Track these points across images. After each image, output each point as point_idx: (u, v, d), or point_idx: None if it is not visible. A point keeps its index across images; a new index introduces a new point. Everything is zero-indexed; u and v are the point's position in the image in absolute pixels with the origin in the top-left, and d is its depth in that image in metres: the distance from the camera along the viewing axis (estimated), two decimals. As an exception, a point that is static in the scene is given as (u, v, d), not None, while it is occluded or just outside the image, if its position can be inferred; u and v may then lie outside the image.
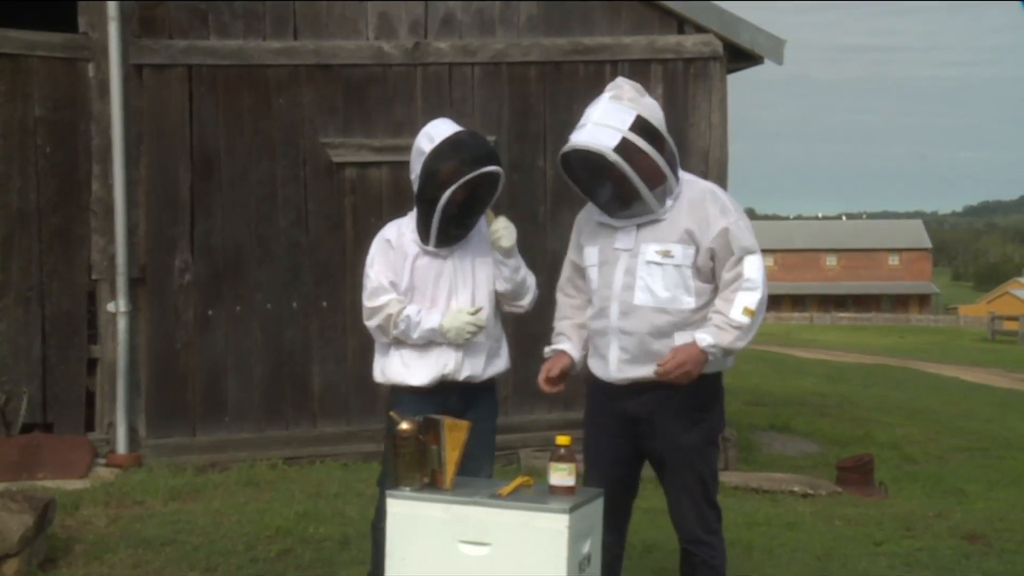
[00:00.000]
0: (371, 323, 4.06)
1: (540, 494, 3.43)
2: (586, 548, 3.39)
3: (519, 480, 3.51)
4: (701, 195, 3.76)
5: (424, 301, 4.03)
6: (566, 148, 3.70)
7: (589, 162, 3.67)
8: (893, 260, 75.45)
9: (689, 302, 3.71)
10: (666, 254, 3.68)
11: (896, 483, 8.77)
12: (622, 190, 3.69)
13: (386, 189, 7.83)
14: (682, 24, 8.14)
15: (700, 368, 3.65)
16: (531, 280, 4.24)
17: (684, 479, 3.78)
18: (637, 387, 3.76)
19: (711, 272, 3.73)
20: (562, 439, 3.47)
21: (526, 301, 4.24)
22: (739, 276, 3.67)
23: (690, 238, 3.69)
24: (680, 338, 3.69)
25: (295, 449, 7.72)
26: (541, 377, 3.95)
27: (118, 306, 7.45)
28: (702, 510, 3.80)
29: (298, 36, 7.82)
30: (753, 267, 3.68)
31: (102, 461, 7.42)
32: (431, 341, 3.99)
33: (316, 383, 7.84)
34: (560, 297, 4.09)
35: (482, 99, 8.01)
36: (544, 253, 7.91)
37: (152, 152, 7.65)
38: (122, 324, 7.45)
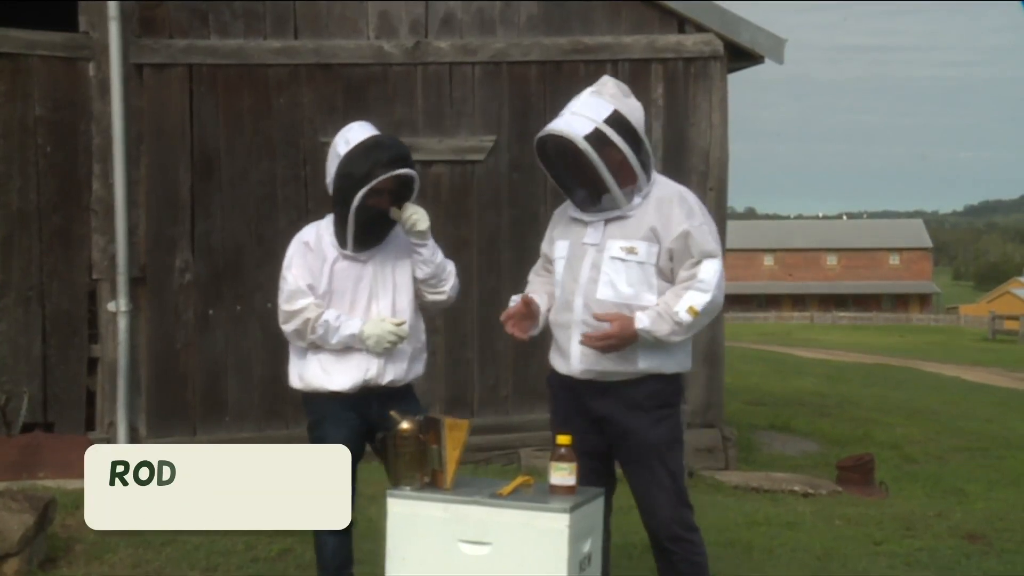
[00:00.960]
0: (287, 327, 4.02)
1: (540, 494, 3.43)
2: (586, 547, 3.40)
3: (519, 480, 3.51)
4: (669, 196, 3.78)
5: (343, 305, 3.98)
6: (541, 133, 3.78)
7: (561, 148, 3.74)
8: (894, 260, 75.42)
9: (651, 299, 3.73)
10: (630, 251, 3.71)
11: (896, 483, 8.78)
12: (590, 180, 3.73)
13: (386, 189, 7.83)
14: (682, 23, 8.14)
15: (624, 346, 3.65)
16: (450, 267, 4.17)
17: (656, 476, 3.77)
18: (599, 385, 3.77)
19: (671, 272, 3.75)
20: (562, 438, 3.47)
21: (447, 287, 4.15)
22: (693, 276, 3.69)
23: (654, 236, 3.72)
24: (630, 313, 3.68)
25: (295, 449, 7.72)
26: (504, 315, 3.91)
27: (118, 306, 7.45)
28: (678, 507, 3.80)
29: (298, 36, 7.82)
30: (710, 271, 3.69)
31: (102, 461, 7.40)
32: (349, 347, 3.95)
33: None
34: (531, 277, 4.11)
35: (482, 99, 8.01)
36: (544, 253, 7.94)
37: (152, 152, 7.65)
38: (122, 324, 7.45)
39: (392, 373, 4.02)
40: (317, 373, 4.03)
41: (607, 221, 3.78)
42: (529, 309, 3.88)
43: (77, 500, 6.21)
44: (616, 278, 3.73)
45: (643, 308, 3.70)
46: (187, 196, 7.70)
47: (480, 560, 3.31)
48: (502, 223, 8.03)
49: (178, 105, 7.67)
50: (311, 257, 4.01)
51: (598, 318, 3.68)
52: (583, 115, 3.70)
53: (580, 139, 3.64)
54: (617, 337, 3.64)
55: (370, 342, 3.92)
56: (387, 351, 3.95)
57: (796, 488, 7.84)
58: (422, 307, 4.19)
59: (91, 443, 7.39)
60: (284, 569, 5.15)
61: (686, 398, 4.03)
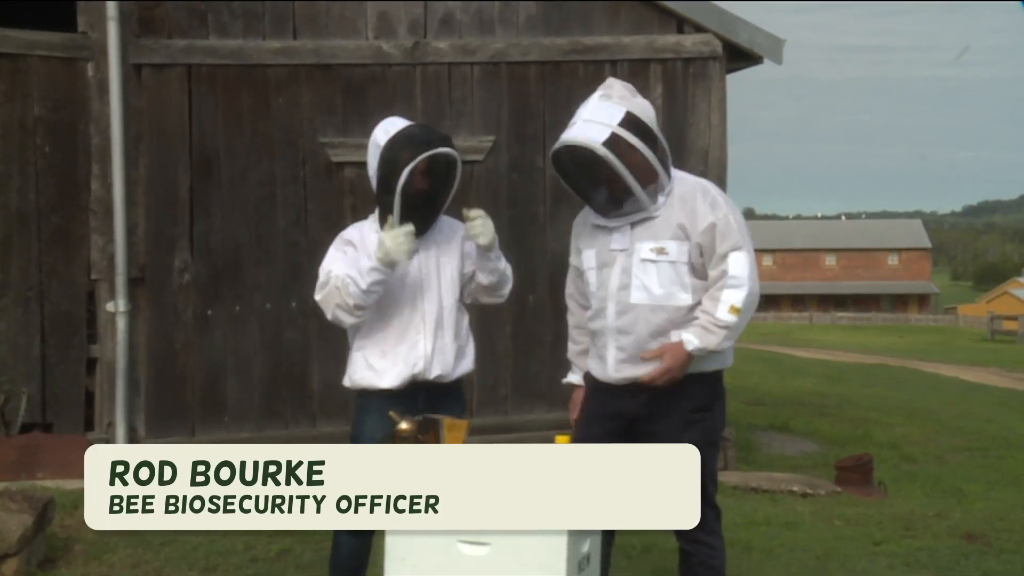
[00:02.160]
0: (327, 308, 3.93)
1: (539, 494, 3.43)
2: (585, 548, 3.39)
3: (518, 480, 3.51)
4: (692, 190, 3.75)
5: (389, 301, 3.95)
6: (556, 145, 3.71)
7: (579, 158, 3.67)
8: (892, 260, 75.43)
9: (685, 299, 3.69)
10: (660, 251, 3.68)
11: (895, 483, 8.79)
12: (613, 187, 3.69)
13: (385, 189, 7.83)
14: (681, 24, 8.14)
15: (685, 370, 3.66)
16: (510, 270, 4.16)
17: None
18: (635, 387, 3.75)
19: (703, 268, 3.71)
20: (562, 439, 3.47)
21: (506, 290, 4.16)
22: (724, 274, 3.65)
23: (683, 233, 3.69)
24: (678, 336, 3.68)
25: (294, 449, 7.72)
26: (573, 418, 3.98)
27: (117, 306, 7.45)
28: (702, 509, 3.78)
29: (297, 36, 7.82)
30: (739, 264, 3.65)
31: (101, 461, 7.40)
32: (380, 283, 3.82)
33: (315, 383, 7.84)
34: (571, 305, 4.06)
35: (481, 99, 8.01)
36: (544, 253, 7.94)
37: (151, 152, 7.64)
38: (121, 324, 7.45)
39: (439, 368, 3.98)
40: (364, 372, 3.99)
41: (633, 225, 3.73)
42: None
43: (76, 500, 6.21)
44: (648, 280, 3.70)
45: (678, 308, 3.68)
46: (186, 196, 7.70)
47: (479, 560, 3.30)
48: (501, 223, 7.91)
49: (177, 105, 7.67)
50: (352, 252, 3.99)
51: (645, 358, 3.67)
52: (597, 121, 3.64)
53: (599, 146, 3.59)
54: (676, 368, 3.64)
55: (387, 244, 3.77)
56: (407, 255, 3.82)
57: (795, 488, 7.84)
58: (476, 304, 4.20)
59: (90, 443, 7.41)
60: (283, 569, 5.15)
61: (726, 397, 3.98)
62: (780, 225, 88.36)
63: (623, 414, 3.79)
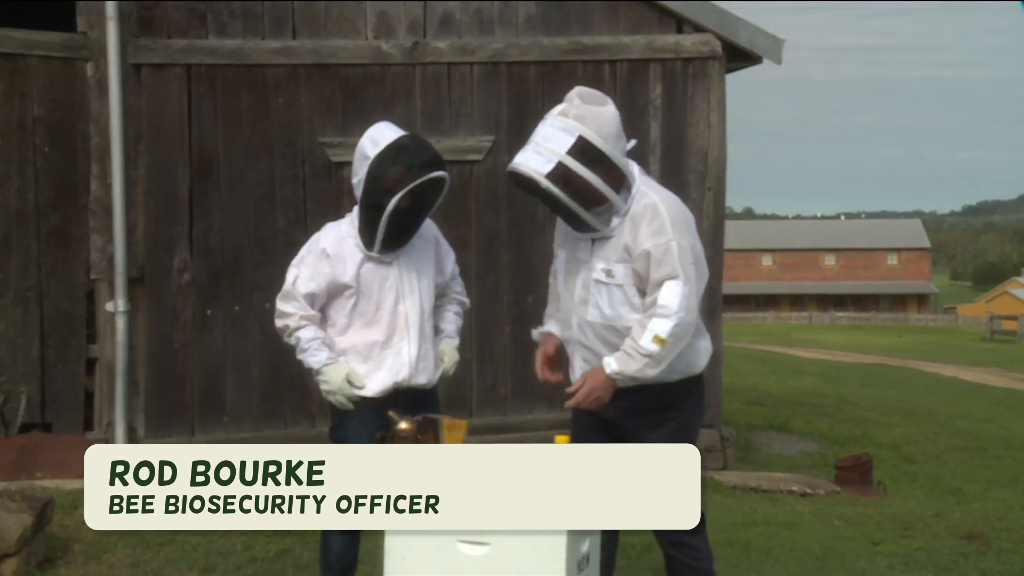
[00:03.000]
0: (275, 321, 4.14)
1: (539, 494, 3.43)
2: (584, 548, 3.39)
3: (518, 480, 3.51)
4: (643, 211, 3.68)
5: (370, 306, 3.99)
6: (509, 167, 3.71)
7: (525, 186, 3.67)
8: (892, 260, 75.45)
9: (634, 318, 3.69)
10: (608, 273, 3.70)
11: (894, 483, 8.79)
12: (560, 212, 3.72)
13: (385, 189, 7.83)
14: (681, 24, 8.14)
15: (609, 393, 3.67)
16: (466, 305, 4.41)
17: None
18: None
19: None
20: (561, 438, 3.47)
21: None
22: (655, 303, 3.63)
23: (628, 255, 3.69)
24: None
25: (294, 449, 7.72)
26: (538, 366, 3.98)
27: (116, 306, 7.44)
28: None
29: (296, 36, 7.82)
30: (670, 293, 3.60)
31: (101, 461, 7.40)
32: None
33: (314, 383, 7.78)
34: (552, 282, 4.10)
35: (481, 99, 8.01)
36: (543, 253, 7.92)
37: (150, 152, 7.64)
38: (120, 324, 7.45)
39: (423, 376, 4.04)
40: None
41: (593, 240, 3.76)
42: (555, 352, 3.95)
43: (75, 500, 6.21)
44: (600, 300, 3.75)
45: (627, 328, 3.69)
46: (185, 196, 7.69)
47: (478, 560, 3.30)
48: (500, 223, 8.03)
49: (176, 105, 7.66)
50: (325, 265, 4.00)
51: (568, 393, 3.72)
52: (546, 148, 3.62)
53: (542, 179, 3.58)
54: (598, 388, 3.66)
55: (324, 386, 4.01)
56: (330, 400, 4.03)
57: (794, 488, 7.84)
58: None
59: (89, 443, 7.41)
60: (282, 569, 5.15)
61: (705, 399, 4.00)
62: (779, 225, 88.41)
63: (598, 417, 3.82)
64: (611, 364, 3.65)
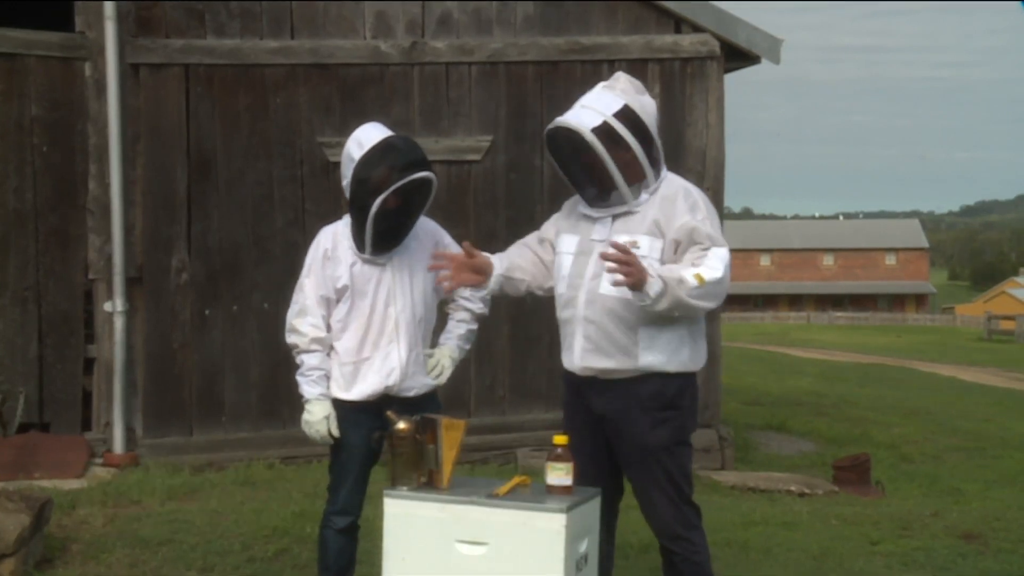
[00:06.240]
0: (287, 336, 4.12)
1: (537, 494, 3.43)
2: (583, 547, 3.40)
3: (516, 480, 3.51)
4: (675, 191, 3.76)
5: (363, 307, 3.99)
6: (550, 126, 3.76)
7: (568, 141, 3.72)
8: (890, 260, 75.46)
9: None
10: (632, 244, 3.65)
11: (893, 482, 8.79)
12: (597, 175, 3.72)
13: (383, 189, 7.82)
14: (679, 24, 8.14)
15: (639, 279, 3.50)
16: (487, 304, 4.28)
17: (654, 476, 3.75)
18: (601, 383, 3.75)
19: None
20: (559, 438, 3.47)
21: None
22: (704, 256, 3.65)
23: (658, 229, 3.70)
24: (644, 332, 3.68)
25: (292, 449, 7.70)
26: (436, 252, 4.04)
27: (115, 306, 7.44)
28: (679, 506, 3.77)
29: (295, 36, 7.82)
30: (718, 256, 3.65)
31: (99, 461, 7.41)
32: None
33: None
34: (517, 243, 4.10)
35: (479, 99, 8.01)
36: (541, 253, 7.94)
37: (149, 151, 7.64)
38: (119, 324, 7.45)
39: (413, 386, 4.03)
40: (338, 383, 4.04)
41: (614, 217, 3.76)
42: (474, 261, 3.92)
43: (73, 500, 6.22)
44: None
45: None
46: (184, 196, 7.69)
47: (477, 560, 3.31)
48: (499, 223, 8.02)
49: (175, 105, 7.66)
50: (329, 266, 4.02)
51: (610, 250, 3.54)
52: (593, 108, 3.70)
53: (587, 131, 3.63)
54: (637, 268, 3.50)
55: (306, 415, 4.00)
56: (305, 430, 4.03)
57: (793, 488, 7.84)
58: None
59: (87, 443, 7.42)
60: (280, 569, 5.15)
61: (700, 398, 3.98)
62: (778, 225, 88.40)
63: (591, 409, 3.80)
64: (656, 267, 3.60)
